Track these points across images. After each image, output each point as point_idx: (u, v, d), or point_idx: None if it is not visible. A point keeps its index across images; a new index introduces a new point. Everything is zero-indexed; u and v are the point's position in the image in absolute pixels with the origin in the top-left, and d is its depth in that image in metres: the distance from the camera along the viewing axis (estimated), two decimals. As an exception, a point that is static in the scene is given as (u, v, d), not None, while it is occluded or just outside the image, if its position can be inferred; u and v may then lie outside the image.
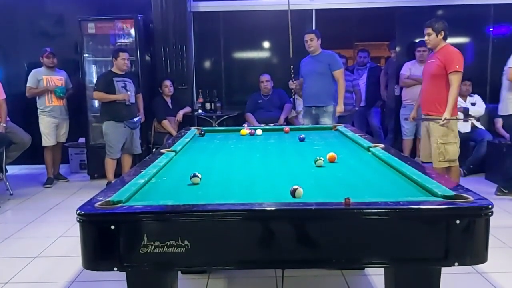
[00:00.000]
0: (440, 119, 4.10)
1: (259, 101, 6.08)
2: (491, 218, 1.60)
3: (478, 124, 5.85)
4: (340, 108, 5.10)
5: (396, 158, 2.40)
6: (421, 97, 4.46)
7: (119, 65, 5.16)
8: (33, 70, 5.64)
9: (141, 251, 1.56)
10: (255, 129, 3.79)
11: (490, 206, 1.59)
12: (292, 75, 5.37)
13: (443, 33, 4.16)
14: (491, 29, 6.35)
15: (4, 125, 5.18)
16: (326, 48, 5.31)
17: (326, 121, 5.03)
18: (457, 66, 4.06)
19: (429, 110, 4.26)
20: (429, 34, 4.19)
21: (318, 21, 6.40)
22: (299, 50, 5.33)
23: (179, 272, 2.37)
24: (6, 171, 5.42)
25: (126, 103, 5.15)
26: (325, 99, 5.10)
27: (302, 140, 3.29)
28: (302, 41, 5.18)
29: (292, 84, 5.39)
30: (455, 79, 4.06)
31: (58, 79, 5.68)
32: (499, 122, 5.85)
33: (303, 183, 1.88)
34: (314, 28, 6.19)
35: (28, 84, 5.57)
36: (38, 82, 5.56)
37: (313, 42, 5.12)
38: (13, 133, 5.35)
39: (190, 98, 6.31)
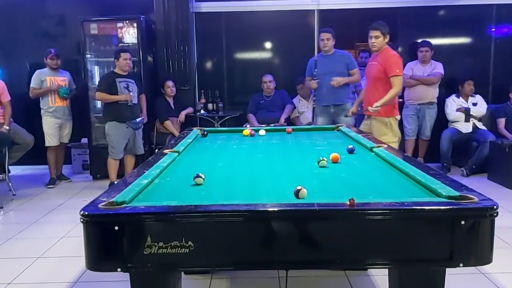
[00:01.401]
0: (381, 120, 4.27)
1: (261, 102, 6.07)
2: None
3: (480, 125, 5.84)
4: (354, 108, 5.06)
5: (399, 159, 2.40)
6: (364, 98, 4.60)
7: (121, 65, 5.16)
8: (37, 71, 5.64)
9: (144, 252, 1.56)
10: (257, 130, 3.78)
11: (495, 206, 1.58)
12: (315, 73, 5.27)
13: (388, 36, 4.29)
14: (493, 29, 6.33)
15: (8, 127, 5.19)
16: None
17: (344, 118, 5.00)
18: (397, 70, 4.21)
19: None
20: (377, 37, 4.28)
21: (320, 21, 6.38)
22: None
23: (182, 272, 2.37)
24: (9, 171, 5.42)
25: (129, 104, 5.15)
26: (343, 98, 5.19)
27: (351, 151, 2.77)
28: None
29: (315, 83, 5.27)
30: (397, 81, 4.21)
31: (61, 80, 5.67)
32: (502, 123, 5.84)
33: (307, 184, 1.87)
34: (317, 27, 6.17)
35: (31, 85, 5.56)
36: (41, 83, 5.56)
37: (329, 42, 5.16)
38: (16, 133, 5.35)
39: (192, 99, 6.31)
